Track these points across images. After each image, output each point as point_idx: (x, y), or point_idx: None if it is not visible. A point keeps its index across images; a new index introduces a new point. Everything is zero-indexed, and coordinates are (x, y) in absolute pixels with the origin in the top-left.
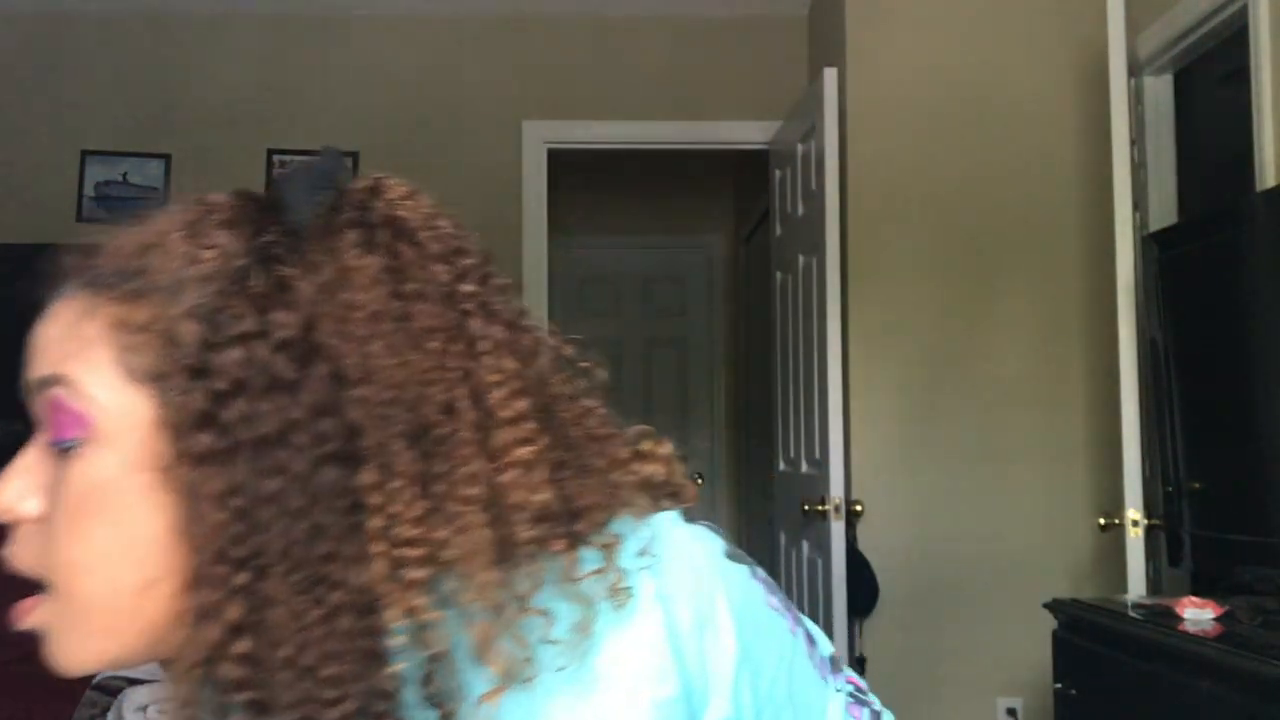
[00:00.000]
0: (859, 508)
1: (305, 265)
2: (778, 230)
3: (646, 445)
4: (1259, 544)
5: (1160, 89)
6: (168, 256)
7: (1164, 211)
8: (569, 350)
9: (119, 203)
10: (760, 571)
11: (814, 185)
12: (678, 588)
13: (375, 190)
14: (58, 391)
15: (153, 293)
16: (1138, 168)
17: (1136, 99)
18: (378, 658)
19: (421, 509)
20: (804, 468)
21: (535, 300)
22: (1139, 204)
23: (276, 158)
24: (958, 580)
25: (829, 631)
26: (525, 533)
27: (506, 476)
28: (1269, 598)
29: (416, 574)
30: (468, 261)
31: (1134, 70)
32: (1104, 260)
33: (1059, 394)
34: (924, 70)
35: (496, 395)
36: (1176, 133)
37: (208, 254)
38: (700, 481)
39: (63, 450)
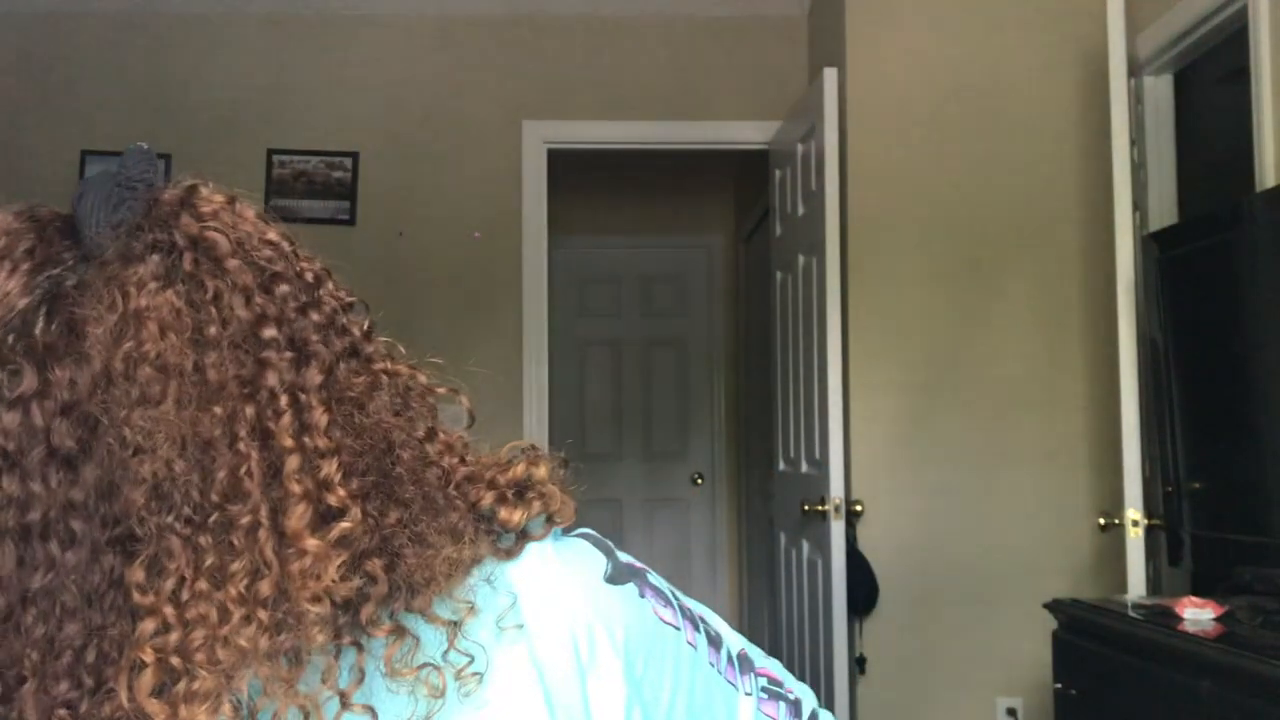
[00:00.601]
0: (859, 508)
1: (99, 302)
2: (778, 230)
3: (517, 471)
4: (1259, 544)
5: (1160, 89)
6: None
7: (1164, 211)
8: (423, 379)
9: None
10: (650, 580)
11: (814, 185)
12: (551, 643)
13: (185, 203)
14: None
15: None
16: (1138, 168)
17: (1136, 99)
18: None
19: (200, 610)
20: (804, 468)
21: (535, 300)
22: (1139, 204)
23: (276, 158)
24: (958, 580)
25: (829, 632)
26: (319, 634)
27: (298, 565)
28: (1269, 598)
29: (194, 686)
30: (283, 289)
31: (1134, 70)
32: (1104, 260)
33: (1059, 394)
34: (924, 70)
35: (291, 464)
36: (1176, 133)
37: None
38: (700, 481)
39: None
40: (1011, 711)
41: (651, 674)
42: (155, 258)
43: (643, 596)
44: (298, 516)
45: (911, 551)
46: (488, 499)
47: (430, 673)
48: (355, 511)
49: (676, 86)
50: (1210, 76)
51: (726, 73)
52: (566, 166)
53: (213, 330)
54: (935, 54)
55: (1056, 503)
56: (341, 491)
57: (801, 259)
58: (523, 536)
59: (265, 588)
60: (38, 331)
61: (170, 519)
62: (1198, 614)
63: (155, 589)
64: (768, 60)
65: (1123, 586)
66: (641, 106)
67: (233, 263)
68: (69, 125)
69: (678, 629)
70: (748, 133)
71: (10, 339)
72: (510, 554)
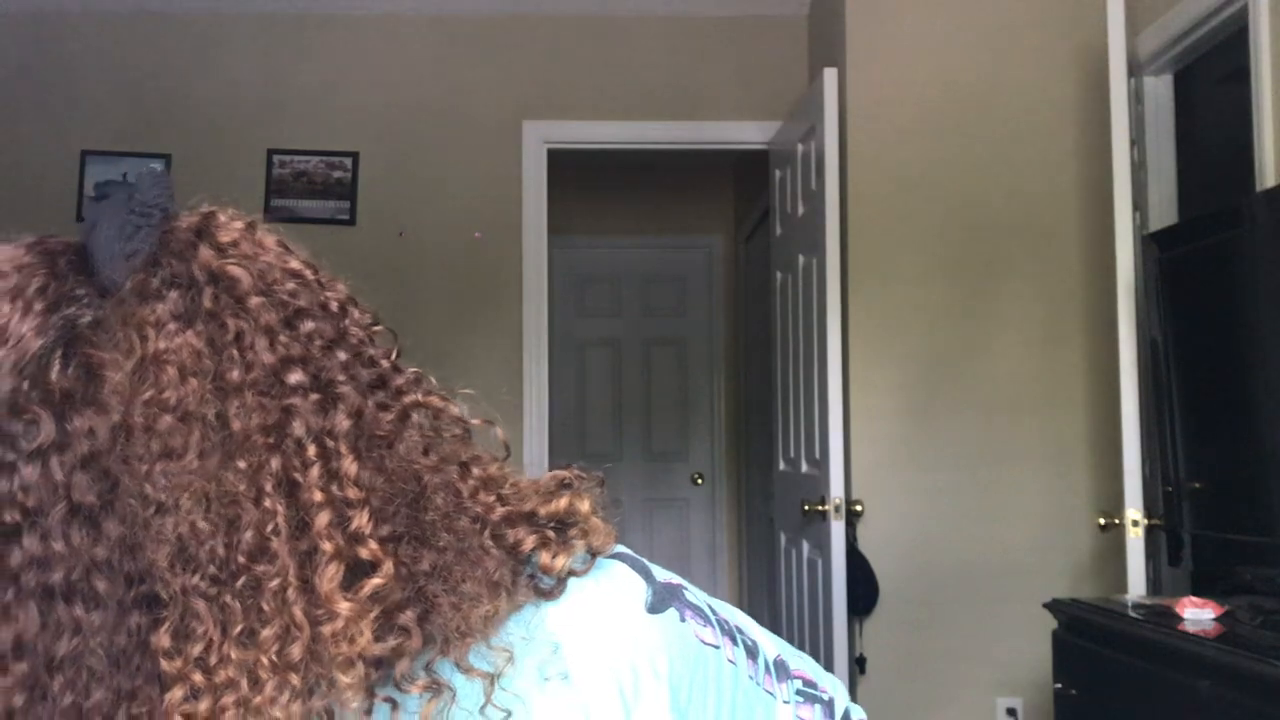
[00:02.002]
0: (859, 508)
1: (116, 344)
2: (778, 230)
3: (560, 505)
4: (1259, 544)
5: (1160, 89)
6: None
7: (1164, 211)
8: (455, 410)
9: None
10: (687, 597)
11: (814, 185)
12: (597, 687)
13: (202, 232)
14: None
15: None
16: (1138, 168)
17: (1136, 99)
18: None
19: (229, 674)
20: (804, 468)
21: (535, 300)
22: (1139, 204)
23: (276, 158)
24: (958, 580)
25: (829, 632)
26: (353, 698)
27: (329, 628)
28: (1269, 598)
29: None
30: (308, 326)
31: (1134, 70)
32: (1104, 260)
33: (1059, 394)
34: (924, 70)
35: (321, 521)
36: (1176, 133)
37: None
38: (700, 481)
39: None
40: (1011, 711)
41: (696, 699)
42: (174, 294)
43: (683, 620)
44: (329, 578)
45: (911, 551)
46: (529, 543)
47: None
48: (388, 565)
49: (676, 86)
50: (1210, 76)
51: (726, 73)
52: (566, 166)
53: (235, 374)
54: (935, 54)
55: (1057, 503)
56: (374, 544)
57: (801, 259)
58: (563, 576)
59: (296, 651)
60: (54, 376)
61: (195, 580)
62: (1198, 614)
63: (182, 654)
64: (768, 60)
65: (1123, 586)
66: (641, 106)
67: (255, 300)
68: (69, 125)
69: (717, 647)
70: (748, 133)
71: (25, 386)
72: (551, 595)
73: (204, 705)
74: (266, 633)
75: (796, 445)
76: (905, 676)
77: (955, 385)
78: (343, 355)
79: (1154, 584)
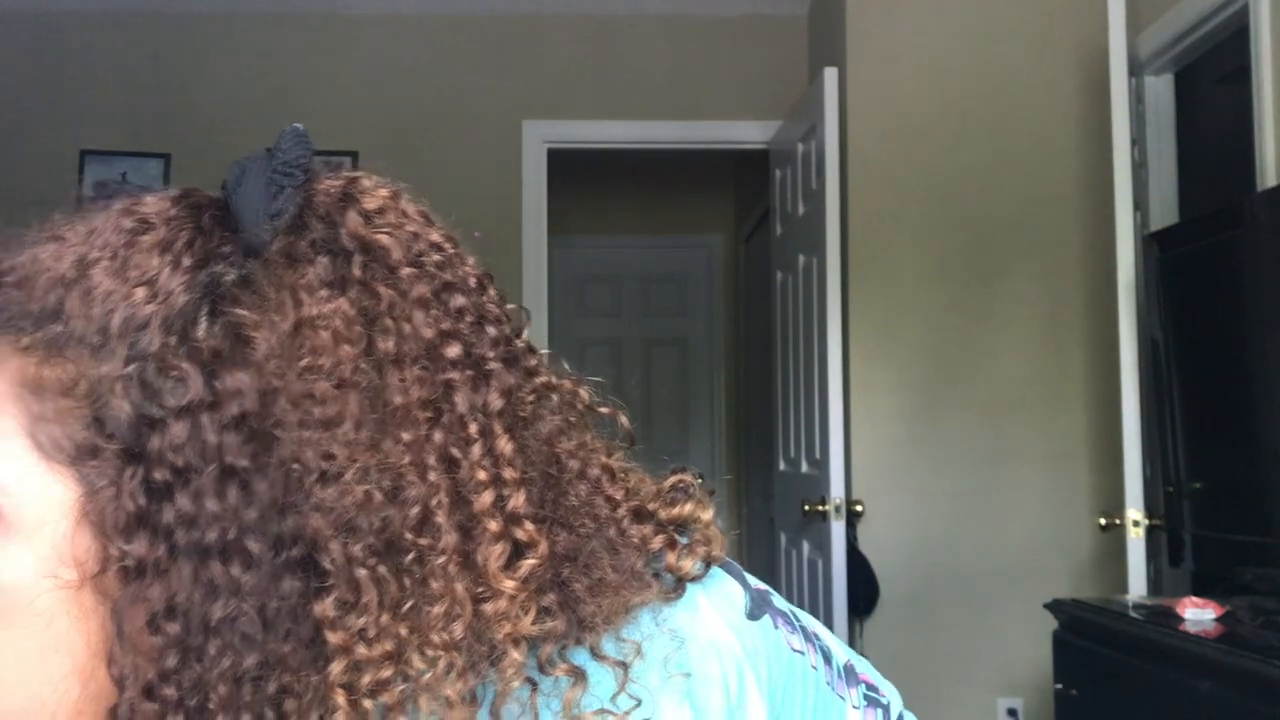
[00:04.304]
0: (859, 508)
1: (263, 307)
2: (778, 230)
3: (683, 511)
4: (1260, 544)
5: (1161, 89)
6: (89, 296)
7: (1164, 211)
8: (585, 395)
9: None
10: (775, 603)
11: (814, 185)
12: (709, 688)
13: (348, 197)
14: None
15: (72, 344)
16: (1138, 168)
17: (1137, 99)
18: None
19: (390, 647)
20: (804, 468)
21: (535, 300)
22: (1139, 204)
23: None
24: (958, 580)
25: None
26: (514, 678)
27: (491, 606)
28: (1270, 598)
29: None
30: (459, 301)
31: (1134, 70)
32: (1104, 260)
33: (1059, 394)
34: (924, 70)
35: (485, 500)
36: (1177, 133)
37: (140, 292)
38: (700, 481)
39: None
40: (1012, 712)
41: (788, 706)
42: (324, 260)
43: (775, 627)
44: (496, 556)
45: (912, 552)
46: (657, 542)
47: (606, 718)
48: (543, 546)
49: (676, 86)
50: (1210, 76)
51: (726, 73)
52: (566, 166)
53: (390, 345)
54: (935, 53)
55: (1057, 503)
56: (530, 526)
57: (801, 259)
58: (683, 578)
59: (459, 629)
60: (201, 334)
61: (358, 551)
62: (1198, 614)
63: (346, 626)
64: (768, 60)
65: (1123, 587)
66: (641, 106)
67: (406, 271)
68: (69, 125)
69: (803, 654)
70: (748, 133)
71: (173, 341)
72: (671, 597)
73: (366, 679)
74: (433, 609)
75: (796, 445)
76: (906, 677)
77: (956, 385)
78: (492, 332)
79: (1155, 584)
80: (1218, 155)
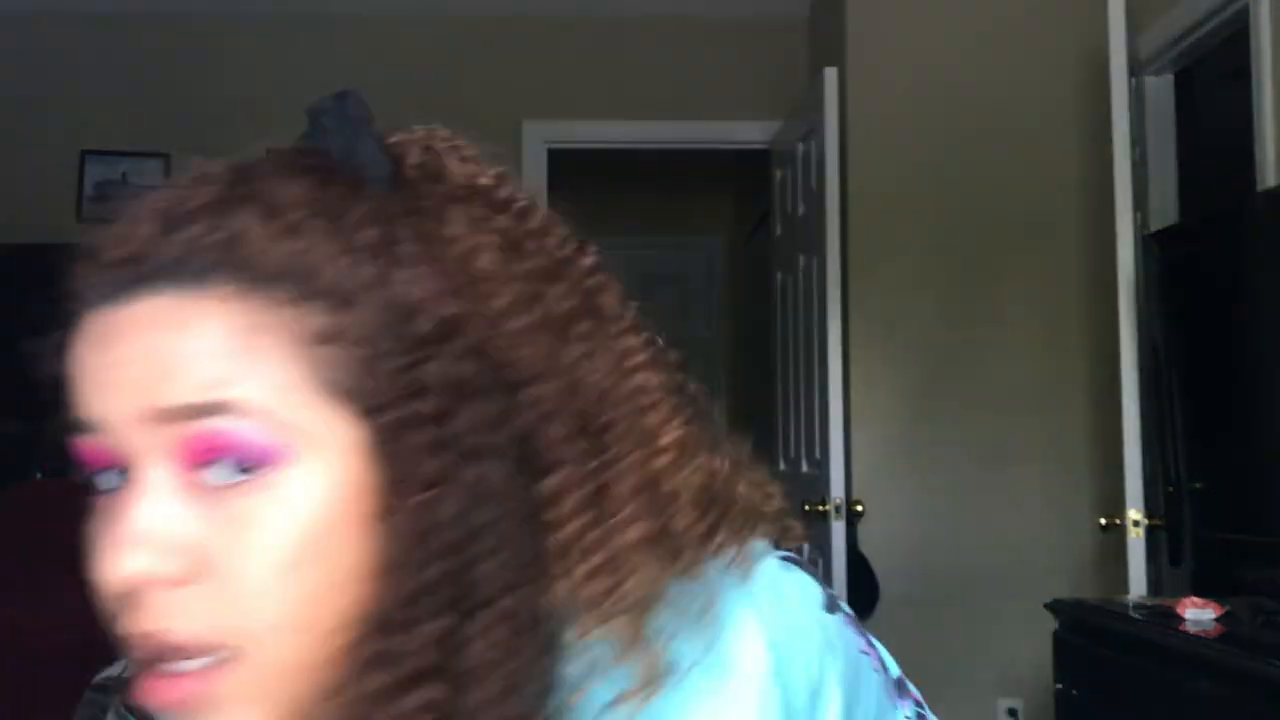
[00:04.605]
0: (859, 508)
1: (436, 242)
2: (778, 230)
3: (756, 475)
4: (1260, 544)
5: (1161, 89)
6: (323, 249)
7: (1164, 211)
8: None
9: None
10: (846, 607)
11: (814, 185)
12: (791, 665)
13: (430, 149)
14: (227, 422)
15: (325, 297)
16: (1138, 168)
17: (1137, 99)
18: (552, 685)
19: (593, 516)
20: (804, 468)
21: None
22: (1140, 204)
23: None
24: (958, 580)
25: None
26: (683, 521)
27: (659, 461)
28: (1270, 598)
29: (596, 589)
30: (559, 231)
31: (1135, 70)
32: (1105, 260)
33: (1060, 394)
34: (924, 70)
35: (641, 378)
36: (1177, 133)
37: (364, 236)
38: None
39: (239, 481)
40: (1012, 712)
41: (856, 705)
42: (461, 207)
43: (846, 625)
44: (653, 418)
45: (912, 552)
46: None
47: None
48: (683, 424)
49: (677, 86)
50: (1211, 76)
51: (726, 73)
52: (566, 166)
53: (539, 263)
54: (935, 54)
55: (1057, 503)
56: (672, 401)
57: (801, 259)
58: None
59: (638, 481)
60: (414, 279)
61: (563, 437)
62: (1199, 614)
63: (562, 504)
64: (768, 60)
65: (1124, 587)
66: (641, 106)
67: (516, 206)
68: (69, 125)
69: (868, 656)
70: (748, 133)
71: (399, 288)
72: (760, 550)
73: (581, 545)
74: (619, 469)
75: (796, 445)
76: (906, 676)
77: (956, 385)
78: (589, 260)
79: (1155, 584)
80: (1218, 155)
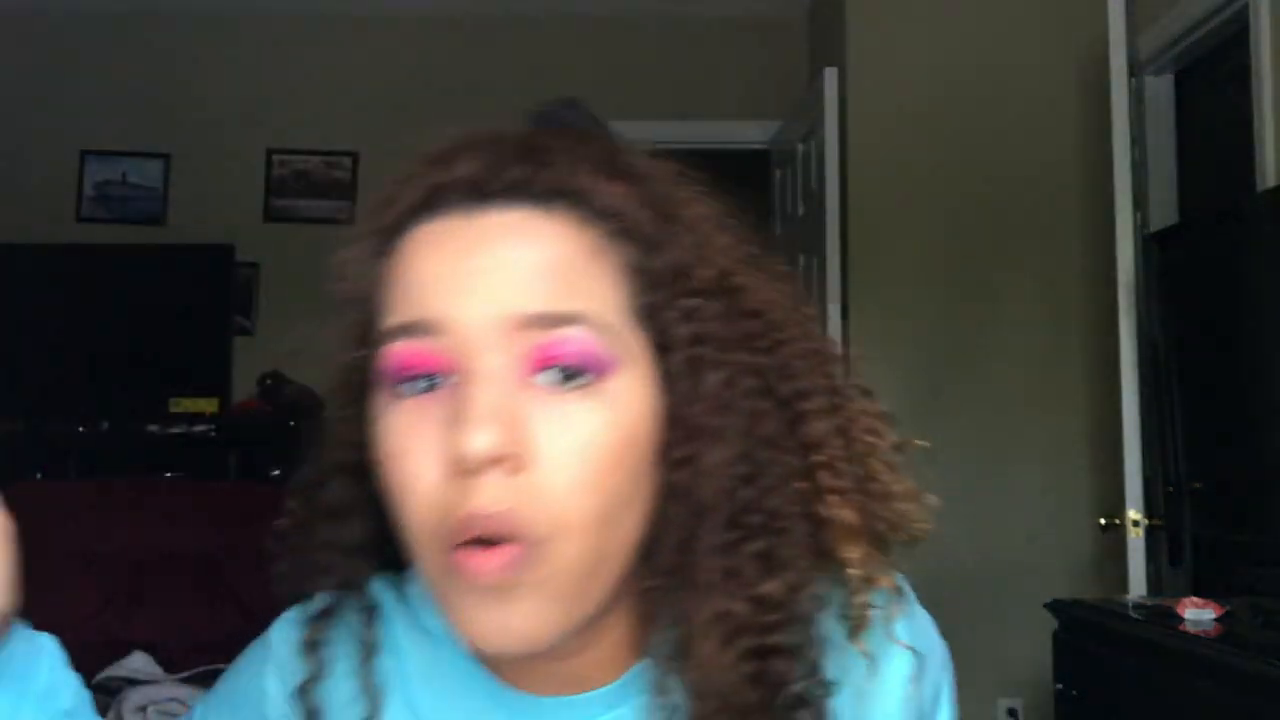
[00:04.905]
0: None
1: (681, 218)
2: (778, 230)
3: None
4: (1260, 544)
5: (1161, 89)
6: (635, 200)
7: (1164, 211)
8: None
9: (119, 203)
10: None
11: (814, 185)
12: (926, 666)
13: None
14: (580, 332)
15: (639, 239)
16: (1138, 168)
17: (1137, 99)
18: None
19: (845, 456)
20: None
21: None
22: (1140, 204)
23: (276, 157)
24: (958, 580)
25: None
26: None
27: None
28: (1270, 598)
29: (850, 516)
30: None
31: (1134, 70)
32: (1104, 260)
33: (1059, 394)
34: (924, 70)
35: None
36: (1177, 133)
37: (654, 198)
38: None
39: (569, 389)
40: (1012, 712)
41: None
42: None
43: (947, 651)
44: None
45: (912, 551)
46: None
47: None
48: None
49: (676, 86)
50: (1211, 76)
51: (726, 73)
52: None
53: (736, 236)
54: (935, 54)
55: (1057, 503)
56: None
57: (801, 259)
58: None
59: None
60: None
61: (820, 404)
62: (1199, 614)
63: (826, 444)
64: (768, 60)
65: (1123, 587)
66: (641, 106)
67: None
68: (69, 125)
69: (949, 687)
70: (748, 133)
71: (682, 242)
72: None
73: (838, 482)
74: (847, 416)
75: None
76: None
77: (955, 385)
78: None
79: (1155, 584)
80: (1218, 155)
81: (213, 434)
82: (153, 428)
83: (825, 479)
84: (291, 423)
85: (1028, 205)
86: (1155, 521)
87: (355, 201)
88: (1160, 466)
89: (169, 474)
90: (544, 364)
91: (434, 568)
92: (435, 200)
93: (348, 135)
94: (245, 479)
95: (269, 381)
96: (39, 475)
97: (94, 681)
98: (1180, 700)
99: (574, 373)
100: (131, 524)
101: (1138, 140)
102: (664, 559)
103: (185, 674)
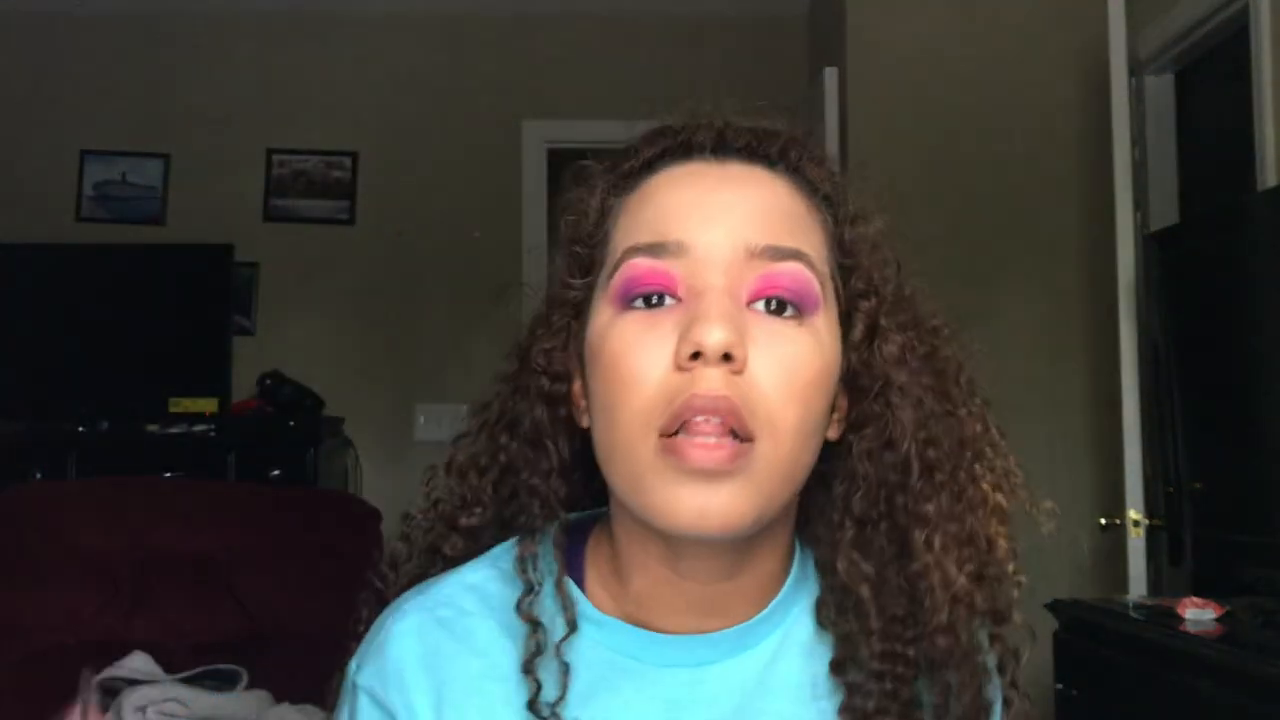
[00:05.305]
0: None
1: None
2: None
3: None
4: (1260, 544)
5: (1161, 89)
6: (826, 183)
7: (1165, 211)
8: None
9: (118, 203)
10: None
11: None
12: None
13: None
14: (802, 267)
15: (830, 211)
16: (1139, 167)
17: (1137, 99)
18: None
19: (991, 456)
20: None
21: (536, 301)
22: (1140, 204)
23: (276, 157)
24: None
25: None
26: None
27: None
28: (1270, 598)
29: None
30: None
31: (1135, 70)
32: (1105, 260)
33: (1060, 393)
34: (924, 70)
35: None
36: (1177, 133)
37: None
38: None
39: (783, 317)
40: None
41: None
42: None
43: None
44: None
45: None
46: None
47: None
48: None
49: (677, 86)
50: (1211, 76)
51: (726, 72)
52: (567, 167)
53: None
54: (935, 53)
55: (1057, 502)
56: None
57: None
58: None
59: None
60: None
61: (968, 404)
62: (1199, 614)
63: (976, 444)
64: (768, 60)
65: (1124, 587)
66: (641, 106)
67: None
68: (69, 125)
69: None
70: None
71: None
72: None
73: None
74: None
75: None
76: None
77: None
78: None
79: (1155, 584)
80: (1218, 155)
81: (213, 434)
82: (152, 428)
83: (979, 464)
84: (291, 422)
85: (1028, 205)
86: (1155, 521)
87: (355, 201)
88: (1160, 466)
89: (169, 474)
90: (765, 292)
91: (645, 452)
92: (685, 149)
93: (348, 135)
94: (245, 479)
95: (269, 381)
96: (39, 475)
97: (95, 682)
98: (1180, 700)
99: (787, 304)
100: (131, 524)
101: (1138, 140)
102: (860, 505)
103: (185, 674)
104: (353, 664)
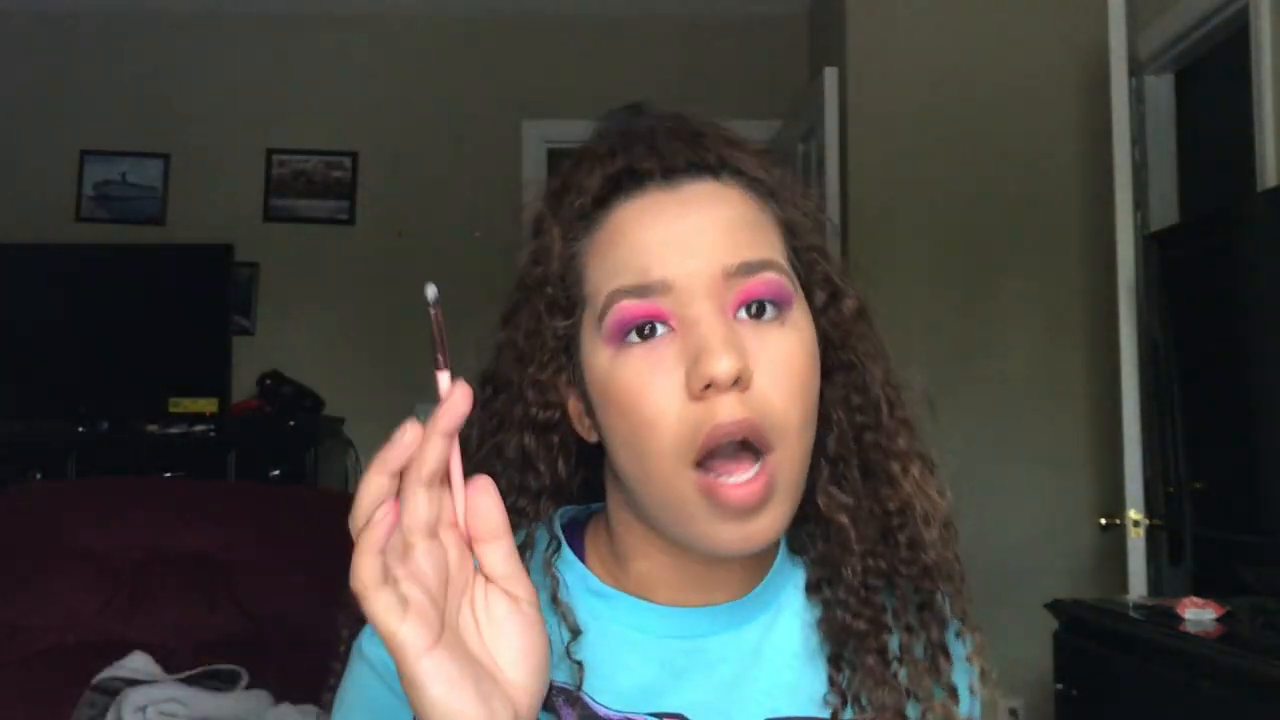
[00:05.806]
0: None
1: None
2: None
3: None
4: (1260, 544)
5: (1161, 89)
6: (769, 175)
7: (1165, 211)
8: None
9: (118, 202)
10: None
11: (814, 185)
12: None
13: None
14: (774, 274)
15: (778, 202)
16: (1139, 168)
17: (1137, 99)
18: None
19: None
20: None
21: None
22: (1140, 204)
23: (276, 157)
24: None
25: None
26: None
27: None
28: (1271, 598)
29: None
30: None
31: (1135, 70)
32: (1105, 260)
33: (1060, 394)
34: (924, 70)
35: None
36: (1177, 133)
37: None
38: None
39: (766, 321)
40: (1012, 712)
41: None
42: None
43: None
44: None
45: None
46: None
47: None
48: None
49: (676, 86)
50: (1211, 76)
51: (726, 72)
52: None
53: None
54: (935, 53)
55: (1057, 503)
56: None
57: None
58: None
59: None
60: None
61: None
62: (1199, 614)
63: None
64: (768, 60)
65: (1124, 587)
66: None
67: None
68: (69, 125)
69: None
70: (748, 132)
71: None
72: None
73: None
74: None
75: None
76: None
77: (955, 385)
78: None
79: (1155, 584)
80: (1218, 155)
81: (212, 434)
82: (152, 428)
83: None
84: (291, 422)
85: (1028, 205)
86: (1155, 521)
87: (355, 201)
88: (1160, 466)
89: (169, 474)
90: (746, 301)
91: (683, 486)
92: (634, 180)
93: (347, 135)
94: (245, 479)
95: (268, 381)
96: (39, 475)
97: (95, 682)
98: (1180, 700)
99: (767, 307)
100: (131, 524)
101: (1138, 140)
102: (836, 458)
103: (185, 674)
104: (364, 632)
